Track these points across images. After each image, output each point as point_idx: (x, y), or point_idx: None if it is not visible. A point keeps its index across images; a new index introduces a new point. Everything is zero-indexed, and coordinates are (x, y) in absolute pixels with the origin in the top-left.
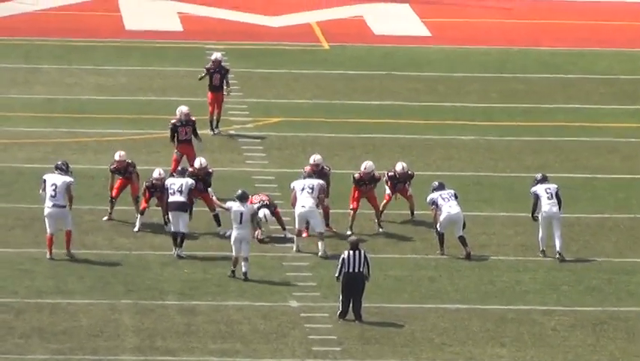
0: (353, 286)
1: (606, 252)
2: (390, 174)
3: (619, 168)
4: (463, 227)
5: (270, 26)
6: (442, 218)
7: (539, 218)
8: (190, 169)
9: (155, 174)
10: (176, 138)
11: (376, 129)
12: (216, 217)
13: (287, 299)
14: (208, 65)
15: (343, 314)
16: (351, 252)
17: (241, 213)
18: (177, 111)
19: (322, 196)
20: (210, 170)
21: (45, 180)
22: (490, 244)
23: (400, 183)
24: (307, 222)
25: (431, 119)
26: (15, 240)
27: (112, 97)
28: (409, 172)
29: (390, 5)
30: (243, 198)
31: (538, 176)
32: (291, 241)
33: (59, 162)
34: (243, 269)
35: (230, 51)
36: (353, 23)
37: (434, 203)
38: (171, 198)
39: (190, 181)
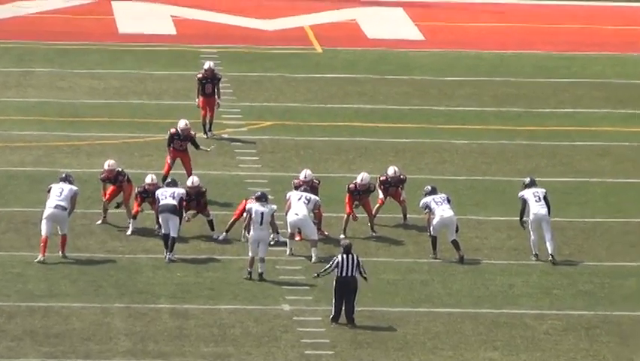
0: (345, 289)
1: (599, 256)
2: (382, 178)
3: (611, 171)
4: (456, 231)
5: (263, 30)
6: (435, 222)
7: (528, 222)
8: (184, 187)
9: (148, 180)
10: (171, 146)
11: (369, 133)
12: (210, 223)
13: (279, 303)
14: (200, 75)
15: (336, 318)
16: (345, 256)
17: (262, 214)
18: (178, 124)
19: (317, 212)
20: (203, 189)
21: (50, 189)
22: (483, 248)
23: (392, 187)
24: (299, 229)
25: (424, 123)
26: (7, 243)
27: (105, 100)
28: (402, 176)
29: (384, 9)
30: (263, 199)
31: (527, 180)
32: (283, 244)
33: (64, 174)
34: (260, 270)
35: (223, 55)
36: (346, 27)
37: (427, 207)
38: (162, 202)
39: (181, 190)
